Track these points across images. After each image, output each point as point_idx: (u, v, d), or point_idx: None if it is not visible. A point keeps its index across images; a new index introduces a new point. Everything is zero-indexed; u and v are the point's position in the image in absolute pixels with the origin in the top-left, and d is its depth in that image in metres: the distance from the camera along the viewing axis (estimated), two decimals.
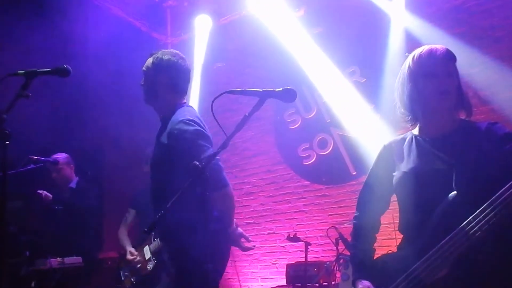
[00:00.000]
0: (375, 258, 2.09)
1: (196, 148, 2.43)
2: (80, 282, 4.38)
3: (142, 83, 2.73)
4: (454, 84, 1.95)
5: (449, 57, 1.97)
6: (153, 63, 2.67)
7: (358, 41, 5.50)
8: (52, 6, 5.00)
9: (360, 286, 1.98)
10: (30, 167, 4.22)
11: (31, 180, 4.39)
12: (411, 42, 4.79)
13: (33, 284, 4.17)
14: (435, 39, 4.51)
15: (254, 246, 2.83)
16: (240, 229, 2.70)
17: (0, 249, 2.13)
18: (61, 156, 4.67)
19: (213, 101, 2.03)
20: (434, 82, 1.93)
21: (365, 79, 5.48)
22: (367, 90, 5.39)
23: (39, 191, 4.43)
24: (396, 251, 2.08)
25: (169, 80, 2.65)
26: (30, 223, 4.54)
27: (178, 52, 2.75)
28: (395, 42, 5.06)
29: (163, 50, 2.75)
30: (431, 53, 1.97)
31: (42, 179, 4.67)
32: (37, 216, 4.63)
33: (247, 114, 1.97)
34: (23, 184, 4.33)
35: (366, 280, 1.99)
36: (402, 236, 2.07)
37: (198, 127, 2.51)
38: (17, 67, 2.25)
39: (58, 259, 4.19)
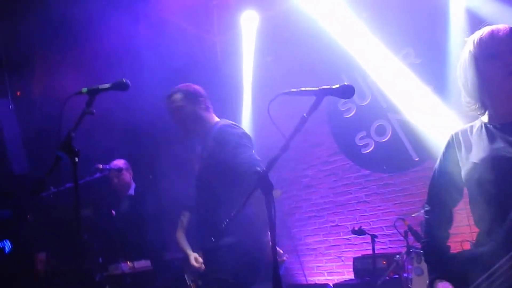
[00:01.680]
0: (452, 255, 1.99)
1: (242, 148, 2.59)
2: (149, 285, 4.51)
3: (176, 122, 2.95)
4: None
5: None
6: (173, 103, 2.92)
7: (410, 21, 5.28)
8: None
9: (439, 287, 1.90)
10: (97, 175, 4.38)
11: (96, 187, 4.57)
12: (474, 21, 4.52)
13: None
14: (499, 15, 4.24)
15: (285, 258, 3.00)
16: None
17: (77, 257, 2.24)
18: (121, 162, 4.79)
19: (269, 104, 2.01)
20: (500, 63, 1.81)
21: (420, 60, 5.27)
22: (423, 71, 5.17)
23: (113, 211, 4.62)
24: (474, 245, 1.97)
25: (195, 109, 2.88)
26: (100, 230, 4.72)
27: (183, 85, 2.99)
28: (455, 22, 4.81)
29: (173, 88, 2.97)
30: (492, 34, 1.85)
31: (104, 185, 4.83)
32: (104, 223, 4.80)
33: (305, 114, 1.94)
34: (90, 192, 4.52)
35: (445, 280, 1.90)
36: (478, 229, 1.96)
37: (242, 129, 2.76)
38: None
39: (129, 263, 4.32)
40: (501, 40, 1.82)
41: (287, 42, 6.23)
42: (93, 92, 2.25)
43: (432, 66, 5.08)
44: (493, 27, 1.88)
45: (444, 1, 4.94)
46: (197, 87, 2.97)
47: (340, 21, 5.63)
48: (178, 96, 2.92)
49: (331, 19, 5.67)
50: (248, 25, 6.40)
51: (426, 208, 2.11)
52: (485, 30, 1.89)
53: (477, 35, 1.90)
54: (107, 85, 2.30)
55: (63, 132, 2.18)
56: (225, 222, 2.03)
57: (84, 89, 2.26)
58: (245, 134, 2.72)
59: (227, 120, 2.90)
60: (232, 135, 2.67)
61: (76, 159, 2.16)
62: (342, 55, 5.65)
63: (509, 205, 1.75)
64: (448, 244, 2.04)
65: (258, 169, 1.93)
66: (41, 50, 5.27)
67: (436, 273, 1.95)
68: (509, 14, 4.23)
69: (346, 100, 5.80)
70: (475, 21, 4.45)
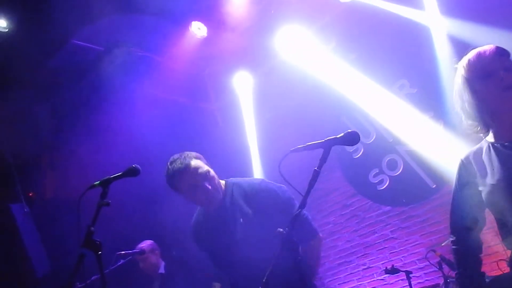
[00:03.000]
0: (488, 282, 1.95)
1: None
2: None
3: (205, 191, 2.68)
4: None
5: (501, 52, 1.90)
6: (202, 169, 2.65)
7: (399, 55, 5.42)
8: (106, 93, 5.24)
9: None
10: (120, 263, 4.37)
11: (123, 273, 4.53)
12: (457, 45, 4.65)
13: None
14: (481, 36, 4.35)
15: None
16: None
17: None
18: (145, 245, 4.77)
19: (279, 164, 2.05)
20: (492, 80, 1.86)
21: (416, 90, 5.36)
22: (421, 100, 5.25)
23: None
24: (508, 269, 1.93)
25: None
26: None
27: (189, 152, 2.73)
28: (440, 49, 4.93)
29: (181, 158, 2.69)
30: (480, 55, 1.91)
31: (132, 270, 4.79)
32: None
33: (316, 168, 1.96)
34: (120, 279, 4.49)
35: None
36: (510, 250, 1.93)
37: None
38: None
39: None
40: (489, 57, 1.88)
41: (283, 96, 6.37)
42: (106, 183, 2.30)
43: (427, 93, 5.16)
44: (479, 48, 1.94)
45: (426, 30, 5.08)
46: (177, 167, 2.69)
47: (331, 67, 5.78)
48: (199, 162, 2.66)
49: (322, 66, 5.82)
50: (243, 86, 6.57)
51: (452, 239, 2.08)
52: (472, 53, 1.94)
53: (466, 59, 1.96)
54: (118, 174, 2.36)
55: (83, 228, 2.20)
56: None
57: (97, 182, 2.32)
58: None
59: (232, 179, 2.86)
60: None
61: (100, 252, 2.17)
62: (339, 99, 5.75)
63: None
64: (483, 271, 2.00)
65: (281, 230, 1.93)
66: (47, 149, 5.39)
67: None
68: (488, 34, 4.34)
69: None
70: (459, 45, 4.56)
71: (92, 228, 2.19)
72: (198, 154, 2.73)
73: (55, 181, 5.27)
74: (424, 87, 5.23)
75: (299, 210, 1.96)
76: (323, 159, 1.97)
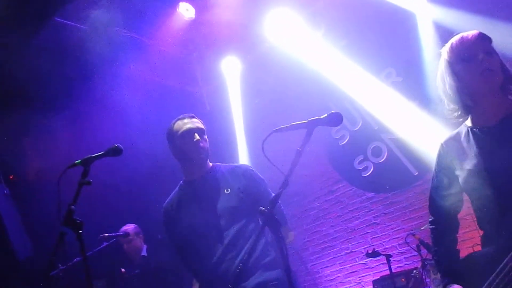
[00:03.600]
0: (461, 259, 2.01)
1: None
2: None
3: (197, 142, 2.84)
4: (496, 62, 1.88)
5: (483, 37, 1.93)
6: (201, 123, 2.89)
7: (387, 43, 5.44)
8: (92, 74, 5.16)
9: None
10: (104, 245, 4.37)
11: (108, 256, 4.53)
12: (442, 32, 4.67)
13: None
14: (465, 24, 4.39)
15: None
16: None
17: None
18: (130, 228, 4.78)
19: (262, 144, 2.06)
20: (472, 64, 1.89)
21: (402, 78, 5.39)
22: (407, 88, 5.29)
23: (122, 270, 4.56)
24: (481, 247, 1.98)
25: None
26: None
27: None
28: (426, 36, 4.96)
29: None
30: (462, 39, 1.95)
31: (116, 253, 4.79)
32: (120, 286, 4.74)
33: (299, 148, 1.98)
34: (102, 262, 4.48)
35: (456, 284, 1.90)
36: (482, 231, 1.98)
37: None
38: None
39: None
40: (471, 42, 1.91)
41: (272, 82, 6.35)
42: (87, 162, 2.28)
43: (413, 82, 5.20)
44: (463, 33, 1.98)
45: (412, 17, 5.10)
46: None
47: (320, 53, 5.78)
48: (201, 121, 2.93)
49: (311, 52, 5.82)
50: (231, 71, 6.53)
51: (431, 219, 2.14)
52: (455, 38, 1.98)
53: (449, 42, 1.99)
54: (100, 153, 2.34)
55: (64, 208, 2.18)
56: (239, 267, 2.03)
57: (78, 161, 2.31)
58: None
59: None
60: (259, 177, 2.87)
61: (81, 231, 2.16)
62: (327, 86, 5.76)
63: (506, 205, 1.77)
64: (458, 248, 2.06)
65: (263, 208, 1.94)
66: (28, 131, 5.29)
67: (447, 278, 1.96)
68: (473, 22, 4.38)
69: (338, 127, 5.89)
70: (444, 33, 4.58)
71: (73, 207, 2.18)
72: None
73: (36, 162, 5.20)
74: (410, 76, 5.26)
75: (281, 189, 1.98)
76: (306, 139, 1.99)
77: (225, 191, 2.73)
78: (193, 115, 2.91)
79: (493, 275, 1.79)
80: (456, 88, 1.94)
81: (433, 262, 3.86)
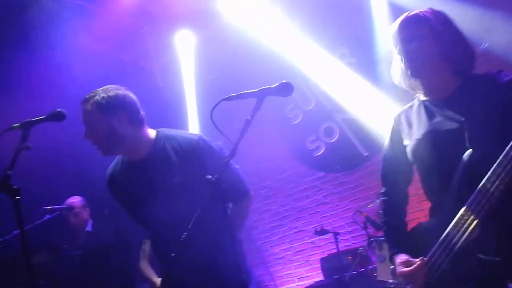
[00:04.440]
0: (409, 230, 2.05)
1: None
2: None
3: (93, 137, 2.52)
4: (424, 45, 1.90)
5: (416, 19, 1.94)
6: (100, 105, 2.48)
7: (341, 22, 5.46)
8: (38, 42, 4.89)
9: (398, 260, 1.94)
10: (46, 218, 4.20)
11: (50, 230, 4.36)
12: (397, 12, 4.69)
13: None
14: (419, 3, 4.43)
15: None
16: None
17: None
18: (76, 200, 4.60)
19: (212, 111, 2.02)
20: (403, 47, 1.94)
21: (356, 59, 5.44)
22: (360, 69, 5.34)
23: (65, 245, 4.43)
24: (427, 219, 2.03)
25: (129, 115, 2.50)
26: (57, 274, 4.49)
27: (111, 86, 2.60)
28: (379, 15, 5.01)
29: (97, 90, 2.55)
30: (400, 19, 1.99)
31: (60, 226, 4.62)
32: (62, 266, 4.58)
33: (248, 117, 1.93)
34: (44, 236, 4.31)
35: (403, 253, 1.94)
36: (430, 203, 2.03)
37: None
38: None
39: None
40: (402, 25, 1.96)
41: (227, 58, 6.24)
42: (27, 126, 2.16)
43: (366, 63, 5.25)
44: (407, 12, 2.00)
45: None
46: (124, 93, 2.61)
47: (275, 30, 5.72)
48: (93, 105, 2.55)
49: (266, 29, 5.75)
50: (185, 46, 6.38)
51: (382, 191, 2.17)
52: (400, 18, 1.99)
53: (396, 21, 2.01)
54: (41, 117, 2.22)
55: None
56: (183, 235, 1.97)
57: (16, 124, 2.17)
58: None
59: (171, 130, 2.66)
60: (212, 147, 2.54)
61: (18, 198, 2.04)
62: (282, 64, 5.71)
63: (451, 175, 1.81)
64: (406, 221, 2.10)
65: (210, 177, 1.88)
66: None
67: (396, 249, 1.99)
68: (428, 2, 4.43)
69: (292, 106, 5.90)
70: (399, 13, 4.60)
71: (10, 172, 2.05)
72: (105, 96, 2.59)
73: None
74: (364, 56, 5.31)
75: (229, 158, 1.93)
76: (256, 108, 1.95)
77: (173, 168, 2.47)
78: None
79: (436, 245, 1.83)
80: (401, 67, 1.98)
81: (378, 239, 3.97)
